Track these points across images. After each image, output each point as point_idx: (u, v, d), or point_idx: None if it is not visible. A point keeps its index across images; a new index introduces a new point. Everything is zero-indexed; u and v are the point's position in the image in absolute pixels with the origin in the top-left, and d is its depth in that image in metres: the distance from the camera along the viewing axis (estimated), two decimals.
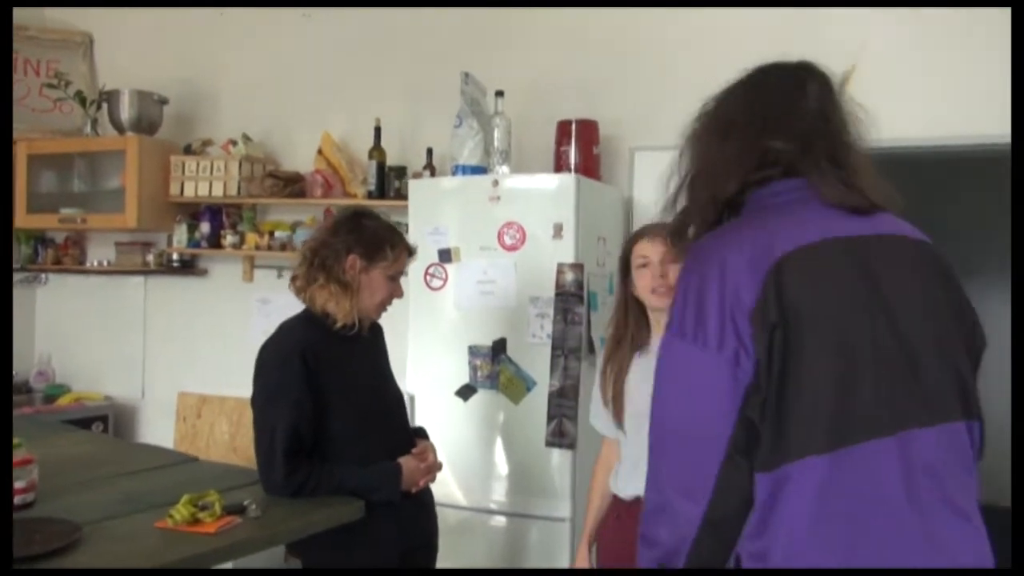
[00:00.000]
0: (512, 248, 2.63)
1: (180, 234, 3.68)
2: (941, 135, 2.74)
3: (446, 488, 2.66)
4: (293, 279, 1.97)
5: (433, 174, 3.28)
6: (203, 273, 3.89)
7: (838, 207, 1.07)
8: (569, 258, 2.57)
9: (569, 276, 2.56)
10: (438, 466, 2.02)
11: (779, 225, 1.05)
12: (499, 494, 2.65)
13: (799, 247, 1.00)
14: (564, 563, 2.53)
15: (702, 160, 1.16)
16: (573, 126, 2.93)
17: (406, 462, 1.92)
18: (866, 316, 0.98)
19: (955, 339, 1.05)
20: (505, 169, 2.80)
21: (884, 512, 0.93)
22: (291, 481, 1.78)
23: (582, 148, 2.94)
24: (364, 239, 1.90)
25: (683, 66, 3.07)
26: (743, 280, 0.98)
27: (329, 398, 1.85)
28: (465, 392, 2.69)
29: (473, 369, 2.68)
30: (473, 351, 2.67)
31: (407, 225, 2.82)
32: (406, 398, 2.67)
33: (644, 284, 1.92)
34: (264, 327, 3.80)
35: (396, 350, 3.08)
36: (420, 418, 2.73)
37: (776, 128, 1.11)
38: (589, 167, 2.92)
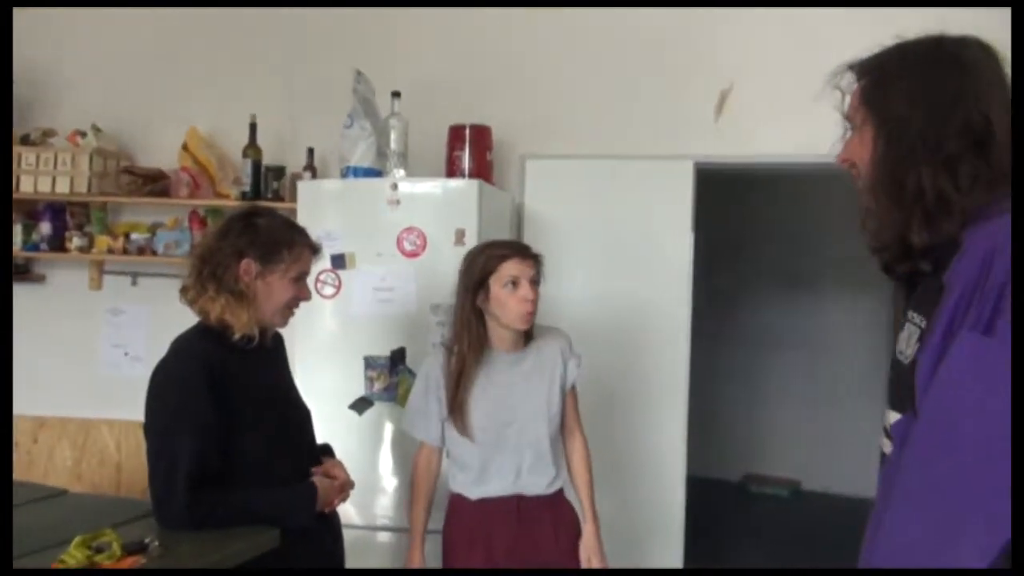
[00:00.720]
0: (412, 254, 2.54)
1: (14, 235, 3.24)
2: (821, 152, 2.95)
3: (341, 507, 2.52)
4: (184, 290, 1.77)
5: (315, 175, 3.11)
6: (40, 279, 3.45)
7: None
8: None
9: None
10: (350, 484, 1.90)
11: None
12: (399, 510, 2.54)
13: None
14: None
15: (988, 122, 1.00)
16: (467, 131, 2.89)
17: (319, 481, 1.79)
18: None
19: None
20: (401, 172, 2.70)
21: None
22: (195, 514, 1.59)
23: (476, 154, 2.89)
24: (258, 241, 1.73)
25: (574, 76, 3.12)
26: None
27: (236, 418, 1.68)
28: (360, 405, 2.56)
29: (369, 381, 2.55)
30: (369, 362, 2.55)
31: None
32: None
33: (512, 304, 1.93)
34: (115, 340, 3.49)
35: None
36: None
37: (1000, 121, 1.02)
38: (483, 173, 2.87)
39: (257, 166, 3.12)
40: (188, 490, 1.58)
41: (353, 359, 2.56)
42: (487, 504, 2.02)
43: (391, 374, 2.53)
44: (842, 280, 5.21)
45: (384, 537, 2.57)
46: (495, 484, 2.01)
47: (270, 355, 1.88)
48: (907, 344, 1.05)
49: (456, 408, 1.98)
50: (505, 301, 1.94)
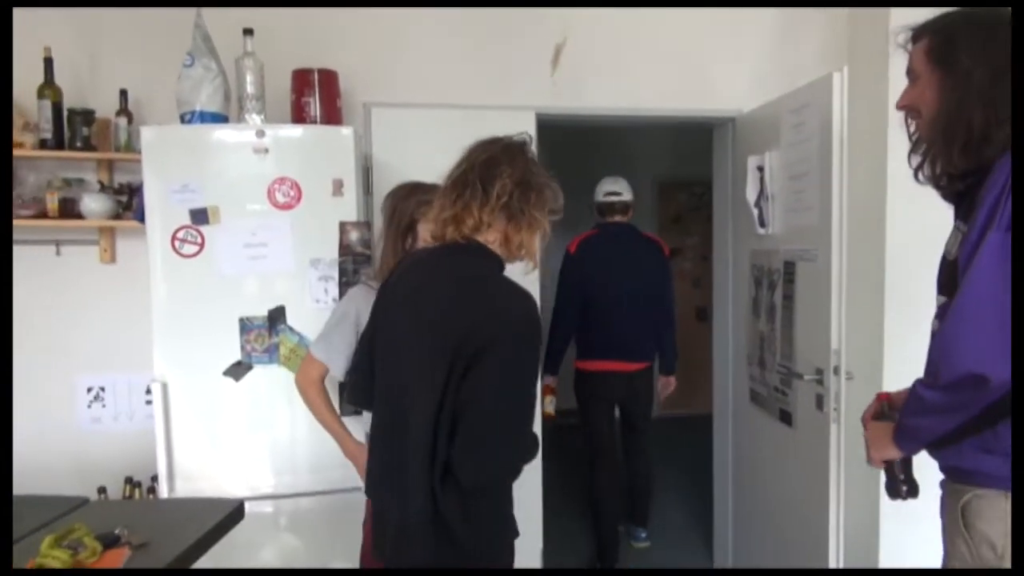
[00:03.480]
0: (286, 206, 2.38)
1: None
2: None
3: (239, 480, 2.36)
4: (484, 203, 1.52)
5: (131, 121, 2.76)
6: None
7: None
8: (352, 216, 2.43)
9: (354, 235, 2.43)
10: None
11: None
12: (295, 475, 2.42)
13: None
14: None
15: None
16: (316, 76, 2.73)
17: None
18: None
19: None
20: (261, 118, 2.49)
21: None
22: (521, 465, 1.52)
23: (324, 100, 2.75)
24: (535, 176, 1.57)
25: (415, 25, 3.08)
26: None
27: None
28: (237, 371, 2.38)
29: (245, 343, 2.38)
30: (244, 324, 2.37)
31: (104, 181, 2.29)
32: (157, 387, 2.33)
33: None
34: None
35: (136, 331, 2.60)
36: (179, 407, 2.35)
37: None
38: (332, 120, 2.75)
39: (58, 109, 2.68)
40: (533, 444, 1.52)
41: (226, 322, 2.36)
42: None
43: (271, 334, 2.38)
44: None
45: (306, 503, 2.43)
46: None
47: None
48: (953, 245, 1.37)
49: None
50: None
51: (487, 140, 1.62)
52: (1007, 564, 1.30)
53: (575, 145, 5.40)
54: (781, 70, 3.21)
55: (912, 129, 1.47)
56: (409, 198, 2.06)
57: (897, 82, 1.53)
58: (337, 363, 2.06)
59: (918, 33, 1.43)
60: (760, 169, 2.94)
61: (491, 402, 1.42)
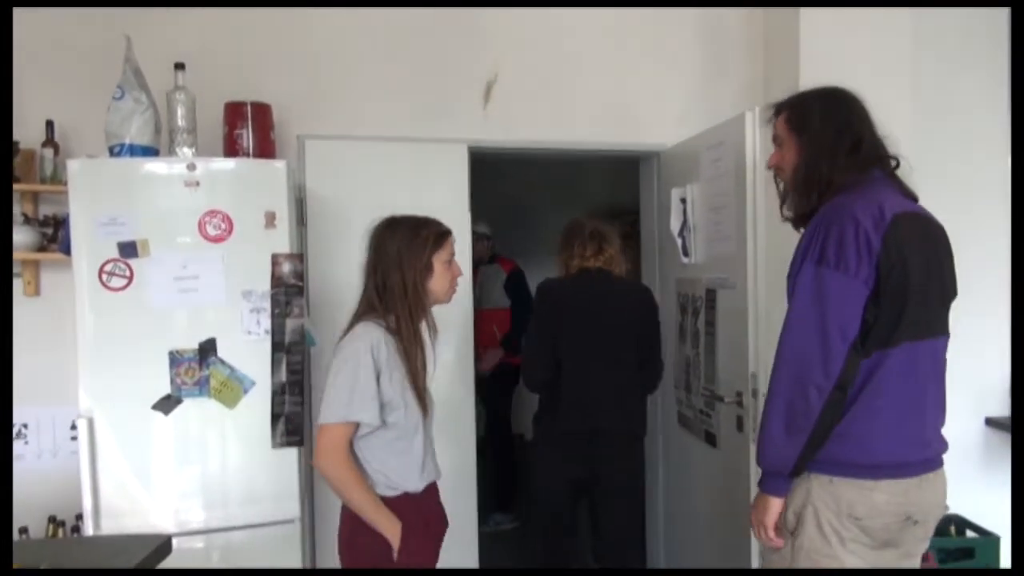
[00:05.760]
0: (217, 239, 2.39)
1: None
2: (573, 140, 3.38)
3: (168, 516, 2.33)
4: (612, 244, 2.89)
5: (57, 152, 2.73)
6: None
7: (901, 191, 1.68)
8: (284, 248, 2.45)
9: (286, 267, 2.45)
10: None
11: (880, 197, 1.59)
12: (226, 508, 2.41)
13: (898, 214, 1.57)
14: (297, 564, 2.45)
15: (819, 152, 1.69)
16: (248, 109, 2.76)
17: None
18: (933, 263, 1.62)
19: (951, 285, 1.70)
20: (192, 151, 2.50)
21: (929, 382, 1.65)
22: None
23: (257, 133, 2.77)
24: None
25: (351, 59, 3.14)
26: (872, 233, 1.53)
27: None
28: (166, 404, 2.36)
29: (175, 377, 2.36)
30: (175, 357, 2.36)
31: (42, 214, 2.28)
32: (83, 422, 2.30)
33: (448, 279, 1.98)
34: None
35: (61, 365, 2.56)
36: (106, 442, 2.32)
37: (869, 134, 1.69)
38: (265, 153, 2.78)
39: None
40: None
41: (155, 355, 2.34)
42: (428, 490, 1.99)
43: (201, 367, 2.37)
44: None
45: (230, 537, 2.41)
46: (431, 465, 2.00)
47: None
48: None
49: (420, 388, 1.91)
50: (444, 277, 1.97)
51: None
52: (803, 528, 1.61)
53: (512, 172, 5.50)
54: (704, 106, 3.37)
55: (780, 186, 1.81)
56: (420, 231, 1.95)
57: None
58: (371, 412, 1.84)
59: (779, 108, 1.79)
60: (683, 201, 3.08)
61: (658, 340, 2.86)
